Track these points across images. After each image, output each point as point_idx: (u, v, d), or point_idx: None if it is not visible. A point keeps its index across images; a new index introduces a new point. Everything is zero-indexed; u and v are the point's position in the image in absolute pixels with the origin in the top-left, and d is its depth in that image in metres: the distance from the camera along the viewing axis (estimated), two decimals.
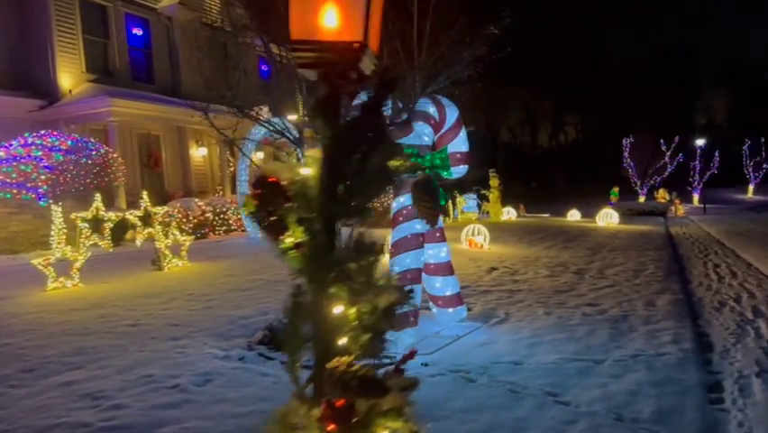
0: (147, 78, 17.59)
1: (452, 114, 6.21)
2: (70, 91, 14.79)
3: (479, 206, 25.70)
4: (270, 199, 1.46)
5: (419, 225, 5.69)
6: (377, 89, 1.56)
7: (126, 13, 16.90)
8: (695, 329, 6.40)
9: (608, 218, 22.05)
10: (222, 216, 15.39)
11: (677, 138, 39.69)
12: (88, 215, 8.50)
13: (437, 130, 6.16)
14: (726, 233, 17.08)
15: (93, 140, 13.46)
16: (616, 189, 39.90)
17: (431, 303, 6.29)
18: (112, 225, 8.73)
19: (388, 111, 5.47)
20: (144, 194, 9.40)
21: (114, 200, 14.75)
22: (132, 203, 15.88)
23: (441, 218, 6.10)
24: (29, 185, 11.99)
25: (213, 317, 6.86)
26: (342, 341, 1.56)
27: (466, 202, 26.18)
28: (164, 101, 17.05)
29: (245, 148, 14.24)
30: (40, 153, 12.33)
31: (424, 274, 6.13)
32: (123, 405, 4.21)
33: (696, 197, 39.32)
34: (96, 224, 8.59)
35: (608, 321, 6.71)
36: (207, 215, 14.82)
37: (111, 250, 9.07)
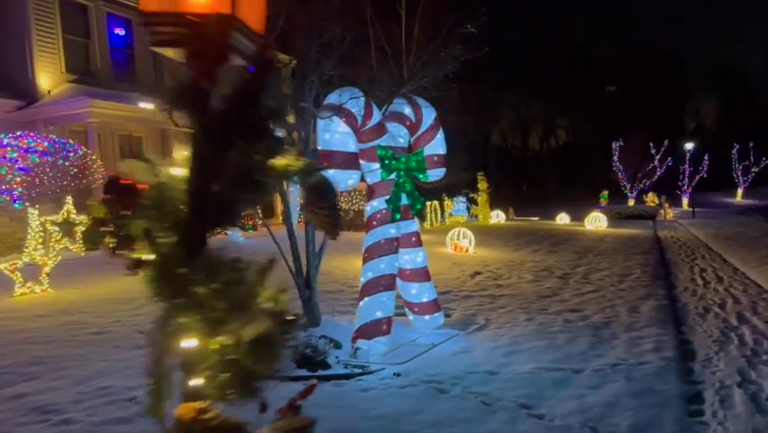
0: (129, 78, 17.32)
1: (428, 115, 6.03)
2: (49, 92, 14.50)
3: (468, 209, 25.54)
4: (121, 205, 1.24)
5: (393, 230, 5.50)
6: (253, 72, 1.35)
7: (108, 12, 16.63)
8: (678, 337, 6.24)
9: (596, 222, 21.93)
10: None
11: (666, 142, 39.69)
12: (59, 218, 8.25)
13: (413, 131, 5.98)
14: (714, 236, 16.99)
15: (71, 141, 13.17)
16: (605, 193, 39.90)
17: (407, 310, 6.09)
18: (84, 229, 8.45)
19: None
20: (69, 199, 8.90)
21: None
22: None
23: (417, 222, 5.91)
24: (3, 187, 11.70)
25: None
26: (196, 382, 1.30)
27: (455, 205, 26.02)
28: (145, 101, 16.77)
29: None
30: (15, 155, 12.04)
31: (399, 280, 5.94)
32: (74, 420, 3.99)
33: (685, 200, 39.28)
34: (68, 227, 8.34)
35: (589, 328, 6.54)
36: None
37: (83, 254, 8.81)
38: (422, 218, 5.77)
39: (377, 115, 5.37)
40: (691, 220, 25.55)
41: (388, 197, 5.44)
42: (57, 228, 8.20)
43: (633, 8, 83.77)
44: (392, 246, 5.44)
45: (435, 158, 6.06)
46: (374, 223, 5.49)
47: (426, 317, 5.97)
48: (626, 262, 12.09)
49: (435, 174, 6.09)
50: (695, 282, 9.66)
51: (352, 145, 4.99)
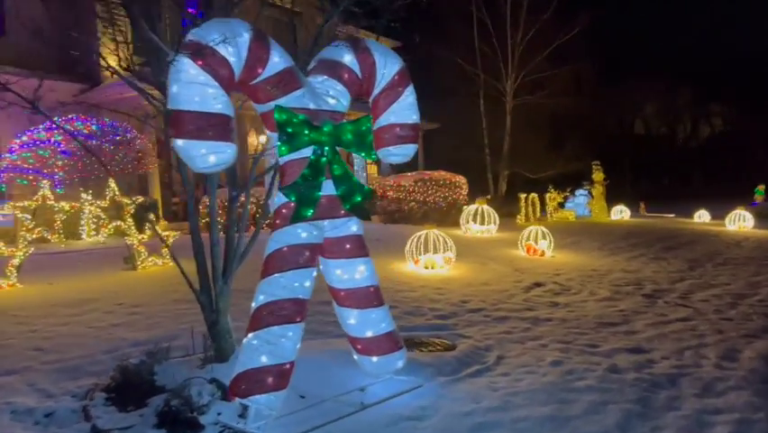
0: None
1: (387, 67, 4.15)
2: (112, 75, 14.14)
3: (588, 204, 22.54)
4: None
5: (304, 233, 3.72)
6: None
7: None
8: None
9: (739, 221, 18.26)
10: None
11: None
12: (31, 205, 7.38)
13: (359, 90, 4.14)
14: None
15: (124, 124, 12.62)
16: (761, 188, 34.29)
17: (351, 346, 4.28)
18: (64, 217, 7.55)
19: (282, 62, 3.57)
20: (111, 182, 8.13)
21: (147, 188, 13.89)
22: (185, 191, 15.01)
23: (355, 222, 4.07)
24: (45, 171, 11.29)
25: (96, 340, 5.31)
26: None
27: (574, 197, 23.14)
28: None
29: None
30: (60, 138, 11.62)
31: (334, 305, 4.15)
32: None
33: None
34: (116, 210, 7.40)
35: (639, 386, 4.34)
36: (248, 206, 13.51)
37: (63, 246, 7.90)
38: (362, 216, 3.83)
39: (278, 61, 3.62)
40: None
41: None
42: (28, 217, 7.29)
43: None
44: (300, 257, 3.67)
45: (399, 129, 4.17)
46: (278, 221, 3.76)
47: (374, 358, 4.12)
48: (754, 277, 9.24)
49: (400, 152, 4.21)
50: None
51: (216, 104, 3.29)
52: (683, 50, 49.37)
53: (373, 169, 23.87)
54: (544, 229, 10.86)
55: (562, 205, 20.72)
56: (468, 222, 13.71)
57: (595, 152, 31.41)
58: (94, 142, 11.76)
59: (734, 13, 54.19)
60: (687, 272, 9.63)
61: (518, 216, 17.30)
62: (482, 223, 13.69)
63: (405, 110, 4.22)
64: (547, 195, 19.17)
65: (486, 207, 13.75)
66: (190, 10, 4.45)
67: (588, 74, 25.31)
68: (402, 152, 4.22)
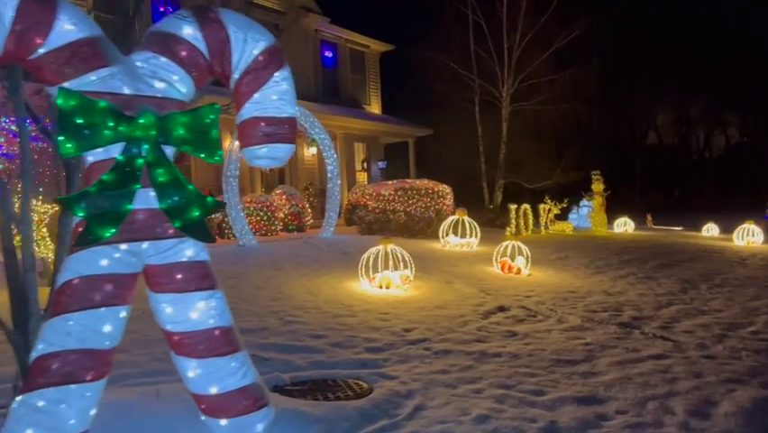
0: None
1: (248, 44, 3.22)
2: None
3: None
4: None
5: (106, 260, 2.80)
6: None
7: None
8: None
9: (747, 236, 17.15)
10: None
11: None
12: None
13: (210, 72, 3.22)
14: None
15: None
16: None
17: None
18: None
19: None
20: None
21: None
22: None
23: (192, 246, 3.12)
24: None
25: None
26: None
27: (579, 207, 22.13)
28: None
29: None
30: (2, 140, 10.83)
31: (170, 353, 3.22)
32: None
33: None
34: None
35: None
36: (212, 216, 12.67)
37: None
38: (205, 239, 2.95)
39: (71, 29, 2.71)
40: None
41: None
42: None
43: None
44: (95, 293, 2.74)
45: (264, 124, 3.24)
46: (75, 244, 2.83)
47: (223, 421, 3.17)
48: (752, 302, 8.21)
49: (266, 155, 3.28)
50: None
51: None
52: (698, 58, 47.71)
53: (363, 176, 22.99)
54: (522, 244, 9.87)
55: (559, 216, 19.67)
56: (447, 234, 12.75)
57: (602, 161, 30.33)
58: (38, 144, 10.99)
59: (752, 18, 52.64)
60: (677, 295, 8.60)
61: (508, 229, 16.30)
62: (464, 235, 12.73)
63: (273, 100, 3.29)
64: (541, 206, 18.14)
65: (466, 218, 12.78)
66: None
67: (590, 80, 24.25)
68: (270, 155, 3.28)
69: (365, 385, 4.61)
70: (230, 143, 12.33)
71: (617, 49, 34.80)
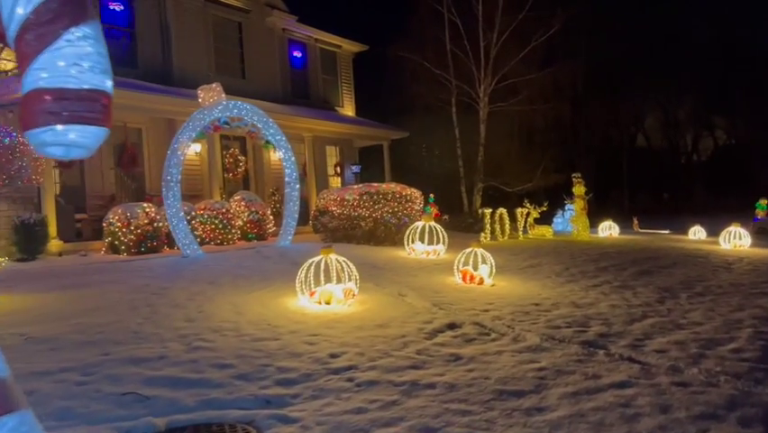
0: (129, 62, 15.18)
1: None
2: (7, 73, 12.62)
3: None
4: None
5: None
6: None
7: None
8: None
9: (734, 239, 16.42)
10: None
11: None
12: None
13: None
14: None
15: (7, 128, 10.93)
16: (763, 202, 32.36)
17: None
18: None
19: None
20: None
21: (32, 203, 12.15)
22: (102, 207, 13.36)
23: None
24: None
25: None
26: None
27: (564, 211, 21.36)
28: (146, 88, 14.41)
29: (181, 137, 11.05)
30: None
31: None
32: None
33: None
34: None
35: None
36: (159, 224, 11.78)
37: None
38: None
39: None
40: None
41: None
42: None
43: None
44: None
45: (51, 98, 2.36)
46: None
47: None
48: (736, 313, 7.40)
49: (53, 141, 2.39)
50: None
51: None
52: (685, 59, 47.13)
53: (337, 181, 22.15)
54: (485, 252, 9.04)
55: (539, 220, 18.89)
56: (413, 241, 11.91)
57: (588, 163, 29.61)
58: None
59: (739, 19, 52.17)
60: (653, 307, 7.78)
61: (482, 235, 15.47)
62: (431, 242, 11.90)
63: (66, 65, 2.42)
64: (518, 210, 17.32)
65: (433, 224, 11.95)
66: None
67: (573, 78, 23.56)
68: (58, 140, 2.39)
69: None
70: (185, 144, 11.46)
71: (601, 48, 34.19)
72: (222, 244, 13.18)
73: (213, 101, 11.05)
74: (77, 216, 13.29)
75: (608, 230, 21.13)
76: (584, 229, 18.86)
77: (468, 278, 8.78)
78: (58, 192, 13.03)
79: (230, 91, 16.41)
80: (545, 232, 18.51)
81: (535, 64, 21.58)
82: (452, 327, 6.43)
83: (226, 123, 11.46)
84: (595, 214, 23.89)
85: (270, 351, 5.41)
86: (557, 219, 21.70)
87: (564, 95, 24.45)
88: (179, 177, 10.93)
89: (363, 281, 8.69)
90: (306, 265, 7.25)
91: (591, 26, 29.48)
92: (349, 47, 22.50)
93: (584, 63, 24.70)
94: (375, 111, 23.59)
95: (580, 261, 12.16)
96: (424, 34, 22.14)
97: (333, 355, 5.32)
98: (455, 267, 9.06)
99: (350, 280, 7.30)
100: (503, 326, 6.56)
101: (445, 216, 19.83)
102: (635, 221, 26.12)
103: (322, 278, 7.28)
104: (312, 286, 7.26)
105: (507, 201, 20.11)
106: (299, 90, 20.68)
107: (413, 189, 14.18)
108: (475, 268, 8.93)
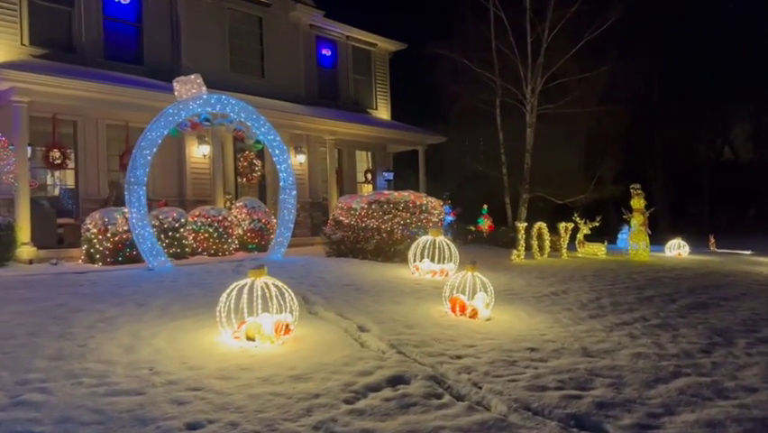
0: (134, 58, 14.30)
1: None
2: None
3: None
4: None
5: None
6: None
7: None
8: None
9: None
10: (171, 233, 11.09)
11: None
12: None
13: None
14: None
15: None
16: None
17: None
18: None
19: None
20: None
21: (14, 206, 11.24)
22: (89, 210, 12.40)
23: None
24: None
25: None
26: None
27: (630, 227, 19.08)
28: (151, 86, 13.44)
29: (150, 133, 9.83)
30: None
31: None
32: None
33: None
34: None
35: None
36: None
37: None
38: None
39: None
40: None
41: None
42: None
43: None
44: None
45: None
46: None
47: None
48: None
49: None
50: None
51: None
52: None
53: (368, 188, 20.65)
54: (482, 277, 7.27)
55: (589, 237, 16.72)
56: (419, 258, 10.21)
57: (660, 175, 26.82)
58: None
59: None
60: (693, 358, 5.81)
61: (514, 252, 13.55)
62: (439, 261, 10.18)
63: None
64: (561, 225, 15.22)
65: (442, 238, 10.23)
66: None
67: (631, 79, 21.12)
68: None
69: None
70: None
71: (671, 45, 31.14)
72: (216, 254, 11.92)
73: (190, 95, 9.81)
74: (61, 220, 12.38)
75: (677, 249, 18.65)
76: (644, 248, 16.51)
77: (458, 308, 7.03)
78: (47, 195, 12.20)
79: (247, 90, 15.30)
80: (597, 250, 16.32)
81: (590, 62, 19.40)
82: (394, 382, 4.74)
83: (207, 119, 10.18)
84: (669, 231, 21.40)
85: (115, 412, 3.92)
86: (622, 235, 19.44)
87: (623, 97, 21.96)
88: (146, 179, 9.71)
89: (327, 309, 7.13)
90: (228, 291, 5.75)
91: (659, 20, 26.93)
92: (385, 45, 21.00)
93: (650, 64, 22.20)
94: (411, 114, 21.96)
95: (621, 288, 10.10)
96: (465, 31, 20.39)
97: (191, 427, 3.77)
98: (443, 294, 7.33)
99: (286, 310, 5.75)
100: (468, 383, 4.82)
101: (471, 227, 17.94)
102: (712, 239, 23.43)
103: (259, 305, 5.76)
104: (233, 317, 5.75)
105: (562, 215, 17.97)
106: (327, 91, 19.34)
107: (431, 199, 12.49)
108: (471, 296, 7.18)
